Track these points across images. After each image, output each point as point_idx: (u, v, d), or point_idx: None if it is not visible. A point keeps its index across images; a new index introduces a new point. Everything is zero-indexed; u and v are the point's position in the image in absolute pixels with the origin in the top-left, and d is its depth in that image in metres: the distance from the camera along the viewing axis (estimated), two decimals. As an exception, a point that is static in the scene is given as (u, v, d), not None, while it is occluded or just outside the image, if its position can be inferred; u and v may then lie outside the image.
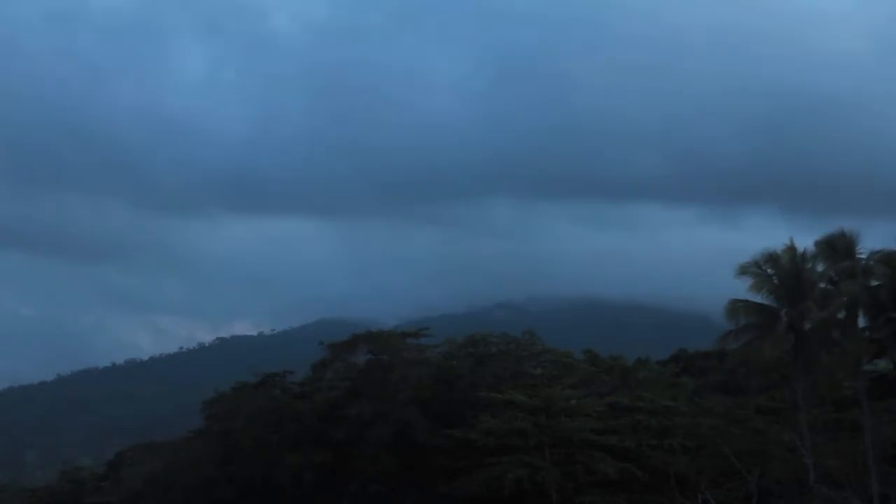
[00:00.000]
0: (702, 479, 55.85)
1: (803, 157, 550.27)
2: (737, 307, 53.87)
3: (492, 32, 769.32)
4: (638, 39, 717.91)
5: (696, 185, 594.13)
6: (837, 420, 58.28)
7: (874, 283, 52.51)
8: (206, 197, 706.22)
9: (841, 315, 53.43)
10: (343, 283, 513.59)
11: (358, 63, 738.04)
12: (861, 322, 53.40)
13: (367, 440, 66.79)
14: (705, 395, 67.17)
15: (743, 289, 53.67)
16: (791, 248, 54.25)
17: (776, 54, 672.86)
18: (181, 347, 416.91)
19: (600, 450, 60.96)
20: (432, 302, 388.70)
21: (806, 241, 54.92)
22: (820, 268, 54.18)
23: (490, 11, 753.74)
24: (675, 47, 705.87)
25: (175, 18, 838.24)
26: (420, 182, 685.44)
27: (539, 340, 76.94)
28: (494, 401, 64.00)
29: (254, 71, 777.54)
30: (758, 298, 53.92)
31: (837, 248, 53.34)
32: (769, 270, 54.13)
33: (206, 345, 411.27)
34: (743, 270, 53.81)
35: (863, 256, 53.25)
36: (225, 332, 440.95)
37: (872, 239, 54.65)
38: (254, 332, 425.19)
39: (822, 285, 53.86)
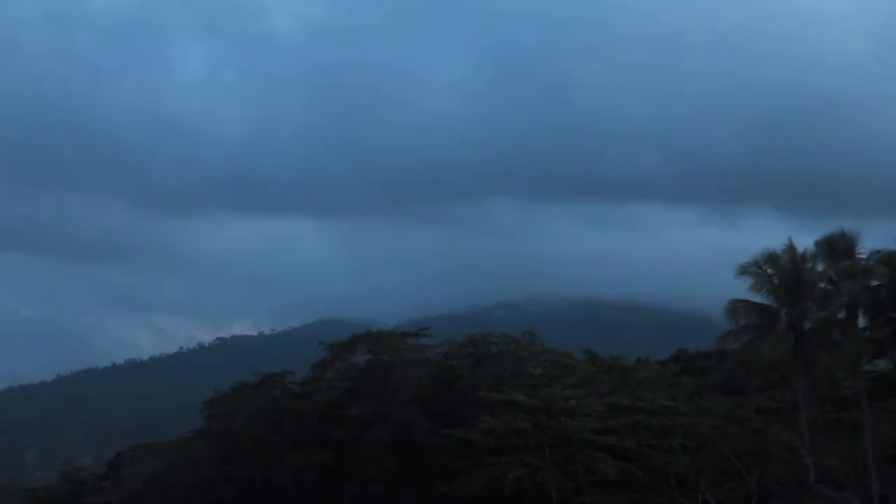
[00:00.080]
0: (702, 479, 55.84)
1: (803, 157, 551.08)
2: (737, 307, 53.88)
3: (492, 32, 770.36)
4: (638, 39, 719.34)
5: (696, 185, 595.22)
6: (837, 420, 58.29)
7: (874, 283, 52.52)
8: (206, 197, 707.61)
9: (841, 315, 53.44)
10: (343, 283, 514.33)
11: (358, 63, 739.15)
12: (861, 322, 53.42)
13: (367, 440, 66.78)
14: (705, 395, 67.17)
15: (743, 289, 53.77)
16: (791, 248, 54.25)
17: (776, 54, 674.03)
18: (181, 347, 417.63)
19: (600, 450, 60.95)
20: (432, 302, 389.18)
21: (806, 241, 55.05)
22: (820, 268, 54.20)
23: (490, 11, 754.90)
24: (675, 47, 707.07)
25: (175, 18, 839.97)
26: (420, 182, 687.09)
27: (539, 340, 76.94)
28: (494, 401, 63.99)
29: (254, 71, 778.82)
30: (758, 298, 53.95)
31: (837, 248, 53.35)
32: (769, 270, 54.13)
33: (206, 345, 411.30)
34: (743, 270, 53.82)
35: (863, 256, 53.28)
36: (225, 332, 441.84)
37: (872, 239, 54.78)
38: (254, 332, 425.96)
39: (822, 285, 53.85)
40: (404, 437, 66.38)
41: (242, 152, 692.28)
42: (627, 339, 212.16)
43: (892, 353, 53.95)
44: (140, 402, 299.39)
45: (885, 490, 50.98)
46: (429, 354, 74.29)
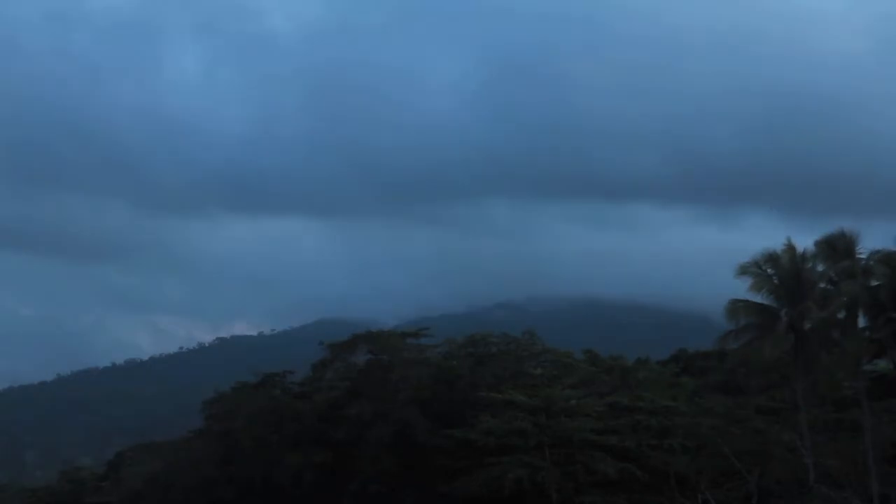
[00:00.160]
0: (702, 479, 55.83)
1: (803, 157, 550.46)
2: (737, 307, 53.88)
3: (491, 32, 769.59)
4: (638, 39, 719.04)
5: (695, 186, 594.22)
6: (837, 420, 58.29)
7: (874, 283, 52.52)
8: (206, 197, 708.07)
9: (841, 315, 53.44)
10: (343, 283, 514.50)
11: (357, 63, 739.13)
12: (861, 322, 53.42)
13: (367, 440, 66.78)
14: (705, 395, 67.18)
15: (743, 289, 53.78)
16: (791, 248, 54.25)
17: (776, 54, 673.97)
18: (181, 347, 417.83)
19: (600, 450, 60.96)
20: (432, 302, 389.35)
21: (806, 241, 55.08)
22: (820, 268, 54.20)
23: (490, 11, 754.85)
24: (675, 47, 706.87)
25: (174, 18, 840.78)
26: (420, 182, 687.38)
27: (539, 340, 76.94)
28: (494, 401, 63.99)
29: (253, 71, 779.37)
30: (758, 298, 53.95)
31: (837, 248, 53.35)
32: (769, 270, 54.14)
33: (206, 345, 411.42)
34: (743, 270, 53.82)
35: (863, 256, 53.28)
36: (225, 332, 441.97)
37: (872, 239, 54.78)
38: (254, 332, 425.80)
39: (822, 285, 53.85)
40: (404, 437, 66.38)
41: (242, 152, 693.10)
42: (627, 339, 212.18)
43: (892, 353, 53.95)
44: (140, 402, 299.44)
45: (885, 490, 50.97)
46: (429, 354, 74.30)
